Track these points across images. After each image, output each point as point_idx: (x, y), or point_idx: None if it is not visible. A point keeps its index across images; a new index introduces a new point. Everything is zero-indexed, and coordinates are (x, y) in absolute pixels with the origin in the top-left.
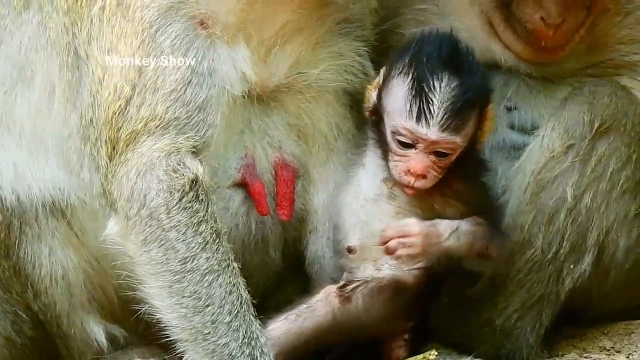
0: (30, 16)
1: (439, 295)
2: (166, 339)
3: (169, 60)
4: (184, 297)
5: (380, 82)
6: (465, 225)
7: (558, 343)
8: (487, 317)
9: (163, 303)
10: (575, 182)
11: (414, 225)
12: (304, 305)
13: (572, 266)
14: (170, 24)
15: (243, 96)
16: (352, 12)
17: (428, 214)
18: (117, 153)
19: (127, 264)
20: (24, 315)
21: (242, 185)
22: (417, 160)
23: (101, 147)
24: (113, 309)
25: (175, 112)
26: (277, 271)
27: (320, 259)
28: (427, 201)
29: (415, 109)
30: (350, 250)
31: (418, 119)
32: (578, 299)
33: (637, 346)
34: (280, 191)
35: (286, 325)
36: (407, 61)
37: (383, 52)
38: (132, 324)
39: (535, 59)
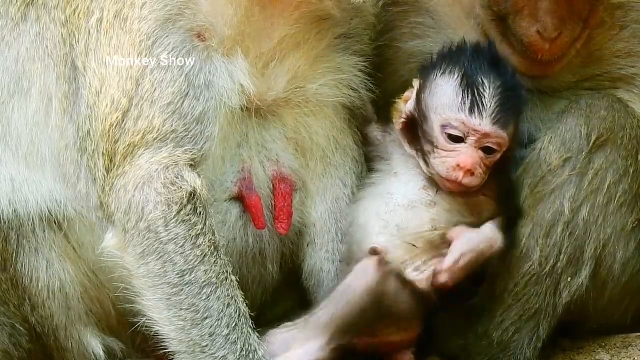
0: (28, 27)
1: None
2: (164, 352)
3: (166, 73)
4: (181, 309)
5: (417, 89)
6: (492, 228)
7: (555, 356)
8: (485, 330)
9: (161, 316)
10: (573, 195)
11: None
12: (342, 287)
13: (569, 279)
14: (167, 36)
15: (241, 109)
16: (351, 27)
17: (463, 222)
18: (114, 166)
19: (124, 276)
20: (21, 328)
21: (239, 198)
22: (466, 154)
23: (98, 159)
24: (110, 321)
25: (172, 125)
26: (275, 285)
27: (319, 272)
28: (465, 207)
29: (468, 102)
30: (374, 251)
31: (471, 111)
32: (575, 312)
33: (634, 359)
34: (278, 205)
35: (332, 305)
36: (450, 62)
37: (380, 66)
38: (130, 336)
39: (532, 72)
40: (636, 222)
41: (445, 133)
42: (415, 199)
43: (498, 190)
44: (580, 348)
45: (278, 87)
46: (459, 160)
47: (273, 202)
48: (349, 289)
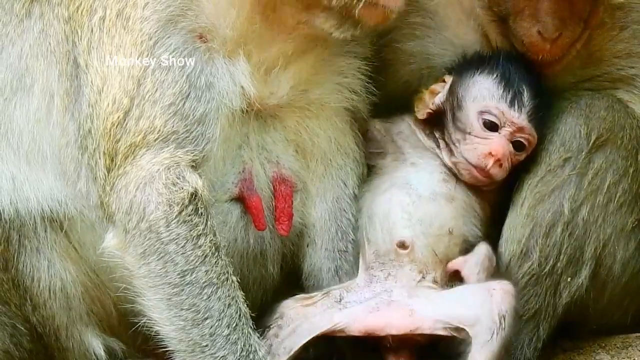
0: (32, 24)
1: None
2: (164, 351)
3: (167, 73)
4: (182, 309)
5: (451, 83)
6: (485, 246)
7: (555, 356)
8: None
9: (161, 315)
10: (572, 195)
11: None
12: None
13: (569, 279)
14: (169, 37)
15: (242, 111)
16: None
17: (481, 215)
18: (115, 165)
19: (125, 276)
20: (22, 328)
21: (240, 199)
22: (499, 143)
23: (99, 158)
24: (111, 321)
25: (173, 126)
26: (275, 285)
27: (318, 272)
28: (483, 201)
29: (509, 95)
30: (403, 245)
31: (512, 103)
32: (575, 312)
33: (634, 359)
34: (279, 206)
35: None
36: (489, 62)
37: (379, 67)
38: (131, 336)
39: None
40: (636, 222)
41: (482, 119)
42: (437, 191)
43: (497, 200)
44: (580, 348)
45: (281, 92)
46: (492, 148)
47: (274, 204)
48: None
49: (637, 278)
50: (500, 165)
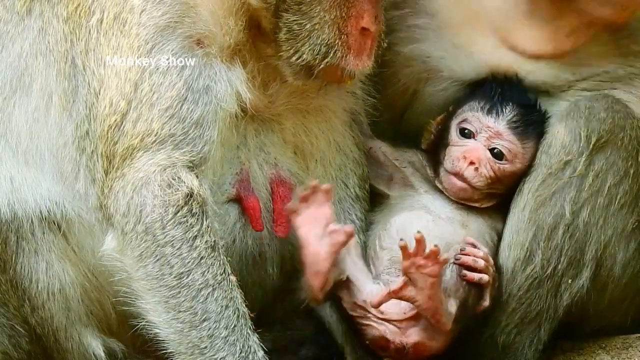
0: (32, 22)
1: None
2: (164, 353)
3: (164, 77)
4: (180, 312)
5: (448, 112)
6: None
7: (555, 357)
8: (490, 334)
9: (160, 318)
10: (573, 197)
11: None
12: None
13: (570, 281)
14: (166, 43)
15: (241, 111)
16: None
17: (492, 245)
18: (113, 167)
19: (124, 279)
20: (21, 330)
21: (238, 200)
22: (473, 147)
23: (97, 160)
24: (111, 323)
25: (171, 129)
26: (275, 286)
27: None
28: (492, 231)
29: (487, 105)
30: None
31: (489, 112)
32: (576, 314)
33: None
34: (277, 208)
35: None
36: (482, 87)
37: (378, 67)
38: (130, 337)
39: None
40: (636, 223)
41: (459, 128)
42: (451, 216)
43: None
44: (581, 349)
45: (279, 101)
46: (465, 150)
47: (272, 205)
48: None
49: (637, 279)
50: (476, 169)
